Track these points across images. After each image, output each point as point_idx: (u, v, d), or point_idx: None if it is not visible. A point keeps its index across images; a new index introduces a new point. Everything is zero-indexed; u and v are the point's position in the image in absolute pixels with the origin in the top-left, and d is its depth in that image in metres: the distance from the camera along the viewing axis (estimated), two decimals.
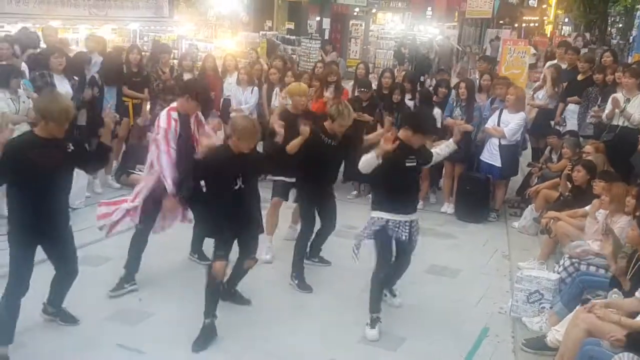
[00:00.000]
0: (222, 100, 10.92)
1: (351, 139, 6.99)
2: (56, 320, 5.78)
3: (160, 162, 6.18)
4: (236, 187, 5.59)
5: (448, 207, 9.79)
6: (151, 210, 6.41)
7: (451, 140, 6.71)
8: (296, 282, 6.90)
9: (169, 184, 6.15)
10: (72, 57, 9.43)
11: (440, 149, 6.62)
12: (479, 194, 9.43)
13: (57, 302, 5.76)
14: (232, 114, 10.45)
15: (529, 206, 9.00)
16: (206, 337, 5.62)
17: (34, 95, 8.23)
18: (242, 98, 10.38)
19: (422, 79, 10.83)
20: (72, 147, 5.19)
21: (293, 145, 6.55)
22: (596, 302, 5.39)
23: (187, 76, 10.52)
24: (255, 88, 10.50)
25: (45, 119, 4.98)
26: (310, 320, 6.22)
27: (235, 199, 5.62)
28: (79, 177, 8.71)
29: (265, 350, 5.63)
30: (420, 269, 7.49)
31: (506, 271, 7.68)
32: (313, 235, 7.11)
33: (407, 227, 5.97)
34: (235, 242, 5.89)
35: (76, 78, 8.92)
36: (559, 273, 6.48)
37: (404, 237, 5.96)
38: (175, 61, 11.92)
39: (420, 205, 9.64)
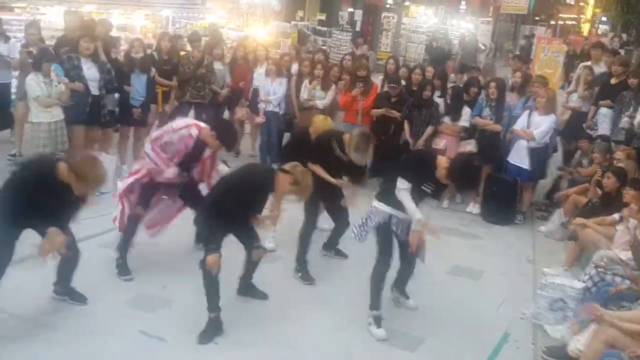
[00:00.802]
0: (251, 90, 10.93)
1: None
2: (66, 300, 5.83)
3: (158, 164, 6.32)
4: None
5: (474, 207, 9.70)
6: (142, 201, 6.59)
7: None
8: (299, 274, 6.90)
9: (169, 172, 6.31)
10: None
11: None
12: (506, 195, 9.33)
13: (65, 282, 5.83)
14: (260, 105, 10.47)
15: (557, 210, 8.90)
16: (212, 330, 5.63)
17: (64, 79, 8.31)
18: (270, 89, 10.36)
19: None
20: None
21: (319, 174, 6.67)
22: (605, 312, 5.33)
23: (217, 65, 10.53)
24: (284, 79, 10.47)
25: (77, 178, 5.06)
26: (328, 317, 6.19)
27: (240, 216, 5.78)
28: (108, 162, 8.79)
29: (282, 346, 5.62)
30: (443, 269, 7.46)
31: (530, 276, 7.59)
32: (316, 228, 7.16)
33: (406, 228, 5.89)
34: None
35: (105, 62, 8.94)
36: (584, 282, 6.38)
37: (404, 237, 5.93)
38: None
39: (445, 204, 9.76)
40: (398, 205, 5.81)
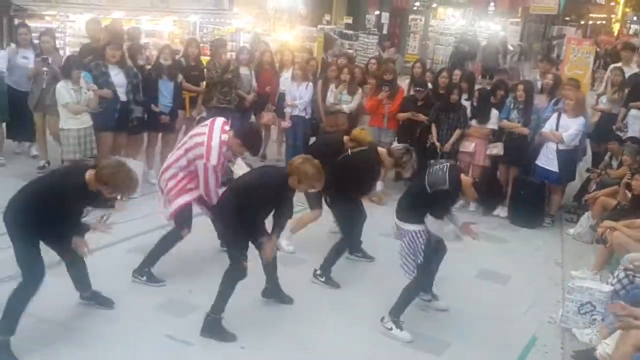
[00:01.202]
0: (277, 95, 10.98)
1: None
2: (93, 305, 5.88)
3: (207, 188, 6.36)
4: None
5: (501, 211, 9.62)
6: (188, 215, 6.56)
7: None
8: (322, 279, 6.86)
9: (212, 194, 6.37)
10: (129, 48, 9.60)
11: None
12: (533, 198, 9.25)
13: (85, 286, 5.87)
14: (287, 109, 10.51)
15: (586, 213, 8.80)
16: (211, 329, 5.67)
17: (93, 86, 8.42)
18: (296, 93, 10.39)
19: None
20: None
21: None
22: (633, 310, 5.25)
23: (243, 70, 10.60)
24: (310, 84, 10.49)
25: (108, 185, 5.12)
26: (353, 322, 6.19)
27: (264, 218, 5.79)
28: (136, 168, 8.88)
29: (307, 350, 5.64)
30: (470, 273, 7.43)
31: (558, 279, 7.52)
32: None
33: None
34: None
35: (133, 68, 9.04)
36: (612, 285, 6.31)
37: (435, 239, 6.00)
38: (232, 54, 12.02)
39: (472, 207, 9.69)
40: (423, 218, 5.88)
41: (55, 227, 5.14)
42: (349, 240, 7.05)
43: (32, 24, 10.68)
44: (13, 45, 9.77)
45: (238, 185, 5.90)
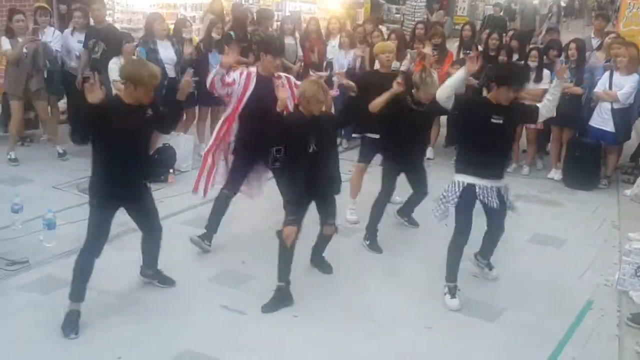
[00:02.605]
0: (325, 63, 10.92)
1: (439, 106, 6.86)
2: (154, 283, 5.97)
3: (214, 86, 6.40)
4: (310, 151, 5.62)
5: (555, 174, 9.47)
6: (237, 176, 6.67)
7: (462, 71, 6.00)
8: (367, 242, 6.98)
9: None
10: (175, 23, 9.67)
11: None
12: (589, 159, 9.07)
13: (152, 264, 5.95)
14: (334, 78, 10.43)
15: None
16: (278, 300, 5.73)
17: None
18: (344, 62, 10.33)
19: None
20: (150, 112, 5.32)
21: (378, 103, 6.60)
22: None
23: (288, 40, 10.56)
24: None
25: (135, 84, 5.06)
26: (403, 288, 6.20)
27: (310, 163, 5.65)
28: (187, 141, 9.02)
29: (360, 317, 5.67)
30: (524, 238, 7.35)
31: (615, 242, 7.39)
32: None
33: (494, 194, 5.78)
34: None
35: (180, 45, 9.10)
36: None
37: (494, 205, 5.78)
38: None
39: (526, 170, 9.58)
40: (479, 172, 5.73)
41: (128, 164, 5.18)
42: (386, 196, 7.07)
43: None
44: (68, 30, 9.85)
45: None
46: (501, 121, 5.65)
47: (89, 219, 5.31)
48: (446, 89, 5.80)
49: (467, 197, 5.77)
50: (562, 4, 24.96)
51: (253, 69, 6.55)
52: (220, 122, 6.78)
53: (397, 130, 6.72)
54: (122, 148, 5.12)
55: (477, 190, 5.75)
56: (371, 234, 7.00)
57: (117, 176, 5.18)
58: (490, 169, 5.76)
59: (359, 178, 7.68)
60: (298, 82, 6.68)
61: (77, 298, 5.29)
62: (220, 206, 6.70)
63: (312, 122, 5.63)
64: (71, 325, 5.19)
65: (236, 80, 6.38)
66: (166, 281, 6.00)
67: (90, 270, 5.29)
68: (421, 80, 6.53)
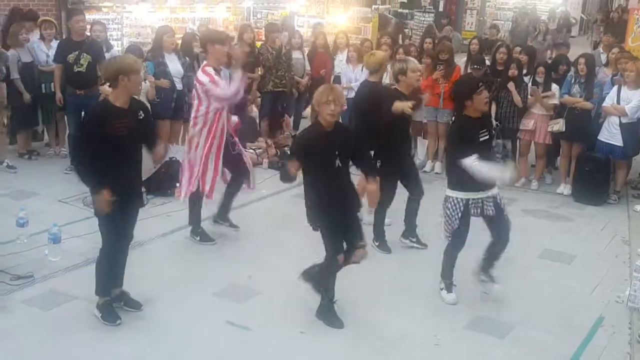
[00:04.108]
0: (332, 77, 10.93)
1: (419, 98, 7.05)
2: (121, 306, 5.71)
3: (217, 95, 6.57)
4: (336, 167, 5.41)
5: (565, 188, 9.39)
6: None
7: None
8: (377, 244, 7.13)
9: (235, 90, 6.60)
10: (183, 37, 9.67)
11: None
12: (598, 174, 8.97)
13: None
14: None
15: None
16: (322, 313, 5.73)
17: (151, 77, 8.51)
18: (352, 76, 10.32)
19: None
20: (142, 114, 5.36)
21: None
22: None
23: (296, 54, 10.59)
24: None
25: (127, 74, 5.06)
26: (415, 305, 6.14)
27: (337, 179, 5.47)
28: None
29: (369, 334, 5.61)
30: (533, 254, 7.28)
31: (625, 257, 7.31)
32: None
33: (490, 202, 5.88)
34: None
35: (186, 58, 9.10)
36: None
37: (490, 212, 5.87)
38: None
39: (535, 185, 9.53)
40: (471, 186, 5.77)
41: (127, 167, 5.26)
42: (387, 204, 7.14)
43: (89, 16, 10.80)
44: None
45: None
46: (487, 136, 5.83)
47: (100, 225, 5.41)
48: (483, 174, 5.64)
49: (466, 212, 5.89)
50: (572, 20, 24.88)
51: (208, 68, 6.65)
52: (203, 127, 6.78)
53: (392, 137, 6.83)
54: (122, 152, 5.16)
55: (470, 203, 5.85)
56: (379, 236, 7.16)
57: (117, 184, 5.17)
58: (484, 182, 5.78)
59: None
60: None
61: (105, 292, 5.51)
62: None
63: (332, 135, 5.41)
64: (112, 313, 5.46)
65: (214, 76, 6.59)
66: (134, 305, 5.76)
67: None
68: (401, 71, 6.67)
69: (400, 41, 13.18)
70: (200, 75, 6.68)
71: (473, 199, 5.85)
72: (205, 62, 6.90)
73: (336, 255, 5.50)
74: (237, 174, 7.15)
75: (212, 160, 6.83)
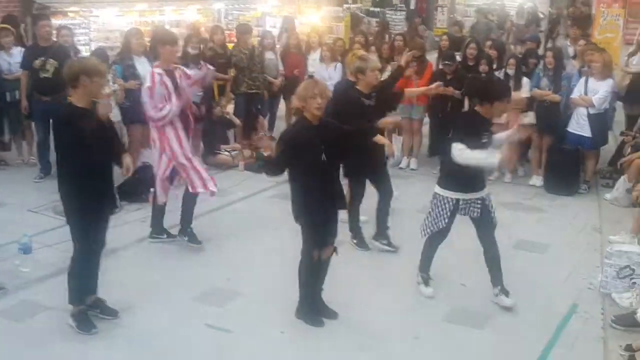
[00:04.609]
0: (306, 77, 10.97)
1: (387, 92, 6.98)
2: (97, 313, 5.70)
3: (152, 117, 6.61)
4: (322, 161, 5.38)
5: (537, 180, 9.54)
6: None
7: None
8: (355, 241, 7.20)
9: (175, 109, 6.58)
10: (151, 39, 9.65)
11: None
12: (568, 165, 9.15)
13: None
14: None
15: (622, 177, 8.66)
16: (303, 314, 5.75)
17: (120, 80, 8.50)
18: (325, 74, 10.38)
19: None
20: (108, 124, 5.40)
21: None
22: None
23: (268, 55, 10.63)
24: (339, 64, 10.47)
25: (90, 75, 5.07)
26: (394, 299, 6.20)
27: (323, 174, 5.42)
28: None
29: (349, 332, 5.65)
30: (508, 244, 7.33)
31: (597, 245, 7.45)
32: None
33: (478, 204, 5.87)
34: None
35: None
36: None
37: (475, 214, 5.89)
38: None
39: (508, 178, 9.65)
40: (463, 187, 5.81)
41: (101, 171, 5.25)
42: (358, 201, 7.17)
43: (55, 21, 10.72)
44: None
45: None
46: (486, 139, 5.77)
47: (74, 229, 5.35)
48: (470, 160, 5.60)
49: (455, 212, 5.90)
50: (541, 15, 25.15)
51: (157, 70, 6.62)
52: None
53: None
54: (93, 153, 5.12)
55: (460, 203, 5.86)
56: (356, 232, 7.20)
57: (92, 183, 5.18)
58: (476, 183, 5.86)
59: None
60: (190, 72, 6.95)
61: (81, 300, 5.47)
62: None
63: (319, 129, 5.41)
64: (87, 322, 5.41)
65: (156, 83, 6.52)
66: (110, 312, 5.73)
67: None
68: (362, 60, 6.62)
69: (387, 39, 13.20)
70: (147, 77, 6.66)
71: (463, 200, 5.85)
72: (156, 63, 6.82)
73: (312, 250, 5.53)
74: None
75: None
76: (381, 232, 7.25)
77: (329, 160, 5.44)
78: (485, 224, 5.99)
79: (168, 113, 6.55)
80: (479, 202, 5.88)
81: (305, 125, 5.43)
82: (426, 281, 6.23)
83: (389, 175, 7.28)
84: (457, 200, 5.85)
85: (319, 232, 5.54)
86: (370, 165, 6.93)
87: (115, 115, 8.37)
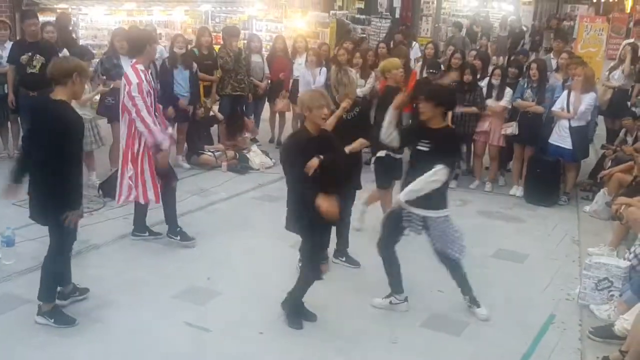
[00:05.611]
0: (291, 81, 11.01)
1: (365, 109, 6.91)
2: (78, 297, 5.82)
3: (141, 117, 6.50)
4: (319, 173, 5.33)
5: (517, 190, 9.62)
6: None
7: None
8: (343, 259, 6.92)
9: (158, 136, 6.52)
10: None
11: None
12: (549, 176, 9.24)
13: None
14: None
15: (602, 190, 8.76)
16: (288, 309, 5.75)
17: (102, 78, 8.48)
18: (310, 79, 10.39)
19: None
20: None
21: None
22: None
23: (255, 58, 10.64)
24: (324, 69, 10.49)
25: (82, 75, 5.08)
26: (370, 304, 6.20)
27: (319, 186, 5.31)
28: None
29: (329, 331, 5.68)
30: (487, 253, 7.43)
31: (575, 257, 7.52)
32: None
33: (420, 223, 5.73)
34: None
35: None
36: (629, 260, 6.29)
37: (418, 234, 5.81)
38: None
39: (488, 187, 9.70)
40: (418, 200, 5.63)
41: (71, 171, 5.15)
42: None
43: (43, 17, 10.68)
44: None
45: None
46: (427, 148, 5.59)
47: (54, 229, 5.34)
48: (385, 135, 5.72)
49: (398, 218, 5.84)
50: (524, 28, 25.43)
51: (140, 66, 6.59)
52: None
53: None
54: (77, 148, 5.17)
55: (403, 213, 5.78)
56: (342, 251, 6.94)
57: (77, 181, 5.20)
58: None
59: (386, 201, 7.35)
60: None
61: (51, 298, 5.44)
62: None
63: (318, 141, 5.39)
64: (64, 316, 5.42)
65: (142, 79, 6.51)
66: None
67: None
68: (337, 81, 6.48)
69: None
70: (130, 73, 6.56)
71: (405, 211, 5.75)
72: (135, 60, 6.74)
73: (317, 266, 5.53)
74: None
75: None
76: (341, 248, 7.00)
77: (323, 173, 5.35)
78: (437, 248, 5.86)
79: (151, 128, 6.52)
80: (420, 221, 5.72)
81: (304, 136, 5.45)
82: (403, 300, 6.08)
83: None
84: (401, 208, 5.74)
85: (317, 248, 5.56)
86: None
87: (87, 114, 8.33)
